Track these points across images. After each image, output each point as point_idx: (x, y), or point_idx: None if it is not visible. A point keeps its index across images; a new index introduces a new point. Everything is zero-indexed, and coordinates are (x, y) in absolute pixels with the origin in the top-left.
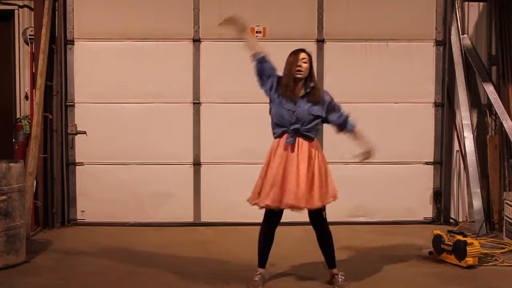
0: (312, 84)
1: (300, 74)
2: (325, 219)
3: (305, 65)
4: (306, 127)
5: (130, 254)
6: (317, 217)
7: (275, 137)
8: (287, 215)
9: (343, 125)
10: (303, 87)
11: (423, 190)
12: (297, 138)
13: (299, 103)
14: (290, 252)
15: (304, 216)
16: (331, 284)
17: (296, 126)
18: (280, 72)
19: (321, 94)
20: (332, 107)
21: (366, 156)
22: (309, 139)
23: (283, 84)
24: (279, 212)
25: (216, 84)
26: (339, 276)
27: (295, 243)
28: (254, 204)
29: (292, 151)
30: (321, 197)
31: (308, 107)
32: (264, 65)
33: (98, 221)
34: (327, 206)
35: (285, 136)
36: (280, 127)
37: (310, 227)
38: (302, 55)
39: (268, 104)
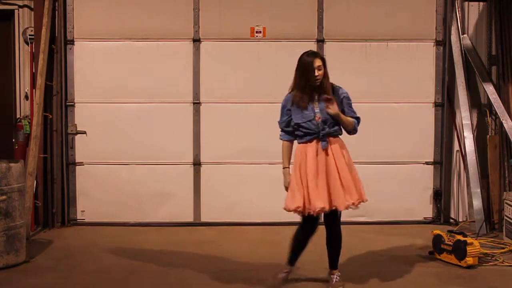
0: (325, 84)
1: (318, 82)
2: (340, 219)
3: (321, 72)
4: (333, 128)
5: (130, 254)
6: (334, 217)
7: (302, 143)
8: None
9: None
10: (318, 90)
11: (423, 190)
12: (328, 139)
13: (320, 106)
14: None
15: None
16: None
17: (326, 130)
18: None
19: (334, 91)
20: (346, 104)
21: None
22: (336, 136)
23: (298, 95)
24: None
25: (216, 84)
26: (335, 276)
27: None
28: (303, 212)
29: (326, 153)
30: (358, 192)
31: (325, 107)
32: (290, 133)
33: (98, 221)
34: None
35: (314, 141)
36: (309, 135)
37: None
38: (317, 62)
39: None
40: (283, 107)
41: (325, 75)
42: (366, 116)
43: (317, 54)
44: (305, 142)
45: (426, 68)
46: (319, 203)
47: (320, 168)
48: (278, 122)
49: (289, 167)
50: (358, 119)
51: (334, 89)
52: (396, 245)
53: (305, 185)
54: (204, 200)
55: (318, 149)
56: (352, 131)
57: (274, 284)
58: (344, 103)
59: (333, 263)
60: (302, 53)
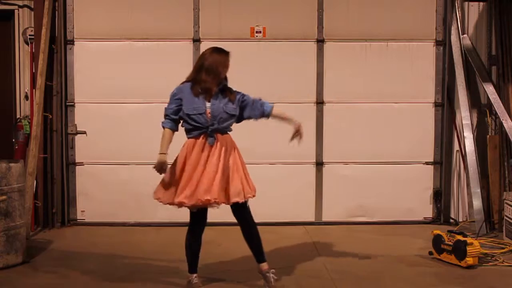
0: (225, 82)
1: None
2: (249, 211)
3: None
4: (222, 125)
5: (130, 254)
6: (241, 210)
7: (191, 137)
8: (288, 216)
9: (262, 112)
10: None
11: (423, 190)
12: (215, 135)
13: (213, 101)
14: (290, 251)
15: (304, 216)
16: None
17: (215, 126)
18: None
19: (234, 92)
20: (244, 102)
21: (298, 135)
22: (224, 134)
23: (202, 79)
24: (203, 214)
25: None
26: (271, 274)
27: (295, 243)
28: (167, 203)
29: (213, 148)
30: (243, 190)
31: (223, 105)
32: (174, 121)
33: (98, 221)
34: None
35: (202, 136)
36: (198, 129)
37: (310, 227)
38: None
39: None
40: (173, 95)
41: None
42: (366, 116)
43: (229, 52)
44: (194, 137)
45: (426, 68)
46: (205, 197)
47: (201, 163)
48: (165, 108)
49: (166, 154)
50: (261, 100)
51: (235, 92)
52: (396, 245)
53: (184, 178)
54: None
55: (205, 144)
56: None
57: None
58: (244, 104)
59: (259, 256)
60: (209, 48)
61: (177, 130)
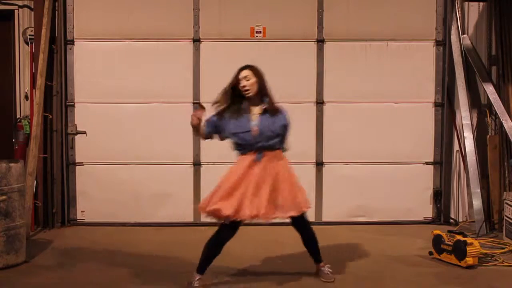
0: (266, 99)
1: (247, 92)
2: (308, 221)
3: (248, 82)
4: (268, 143)
5: (130, 254)
6: (300, 221)
7: (240, 154)
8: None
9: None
10: (259, 103)
11: (423, 190)
12: (264, 153)
13: (260, 120)
14: (291, 252)
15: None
16: (318, 276)
17: (261, 144)
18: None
19: (282, 113)
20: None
21: None
22: (274, 150)
23: (234, 106)
24: (237, 227)
25: (216, 84)
26: (325, 268)
27: (295, 243)
28: (227, 217)
29: (263, 164)
30: (300, 204)
31: (269, 124)
32: (212, 131)
33: (98, 221)
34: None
35: (249, 153)
36: (244, 147)
37: None
38: (244, 72)
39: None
40: (207, 121)
41: (262, 88)
42: (366, 116)
43: (247, 66)
44: (242, 154)
45: (426, 68)
46: (248, 211)
47: (254, 179)
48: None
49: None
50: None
51: (282, 112)
52: (396, 245)
53: (239, 191)
54: None
55: (253, 161)
56: None
57: None
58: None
59: (317, 257)
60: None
61: (210, 136)
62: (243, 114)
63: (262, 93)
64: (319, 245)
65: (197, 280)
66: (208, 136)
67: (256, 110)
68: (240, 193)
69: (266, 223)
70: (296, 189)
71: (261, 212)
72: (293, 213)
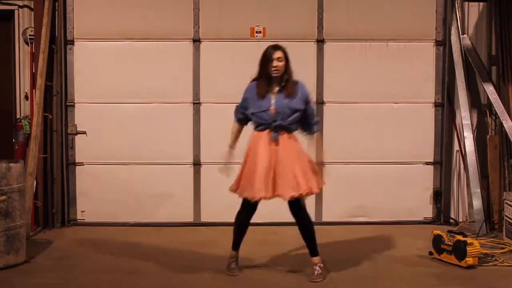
0: (286, 77)
1: (276, 73)
2: (304, 207)
3: (280, 63)
4: (287, 121)
5: (130, 254)
6: (297, 207)
7: (257, 130)
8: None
9: (309, 130)
10: (280, 82)
11: (423, 190)
12: (280, 132)
13: (277, 98)
14: (290, 251)
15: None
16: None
17: (278, 122)
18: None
19: (298, 87)
20: (307, 110)
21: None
22: (289, 132)
23: (259, 84)
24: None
25: (216, 84)
26: (317, 267)
27: (295, 243)
28: (247, 197)
29: (276, 144)
30: (314, 183)
31: (287, 102)
32: (242, 118)
33: (98, 221)
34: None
35: (267, 131)
36: (262, 125)
37: None
38: (278, 53)
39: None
40: (243, 97)
41: (287, 69)
42: (366, 116)
43: (279, 47)
44: (259, 131)
45: (426, 68)
46: (261, 192)
47: (269, 157)
48: (236, 106)
49: (233, 148)
50: (317, 123)
51: (298, 86)
52: (396, 245)
53: (258, 172)
54: (204, 200)
55: (270, 138)
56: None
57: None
58: (310, 108)
59: (312, 250)
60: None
61: (242, 126)
62: (266, 95)
63: (286, 73)
64: (317, 242)
65: (233, 261)
66: (243, 123)
67: (276, 89)
68: (259, 174)
69: (266, 223)
70: (301, 172)
71: (275, 193)
72: (293, 194)
